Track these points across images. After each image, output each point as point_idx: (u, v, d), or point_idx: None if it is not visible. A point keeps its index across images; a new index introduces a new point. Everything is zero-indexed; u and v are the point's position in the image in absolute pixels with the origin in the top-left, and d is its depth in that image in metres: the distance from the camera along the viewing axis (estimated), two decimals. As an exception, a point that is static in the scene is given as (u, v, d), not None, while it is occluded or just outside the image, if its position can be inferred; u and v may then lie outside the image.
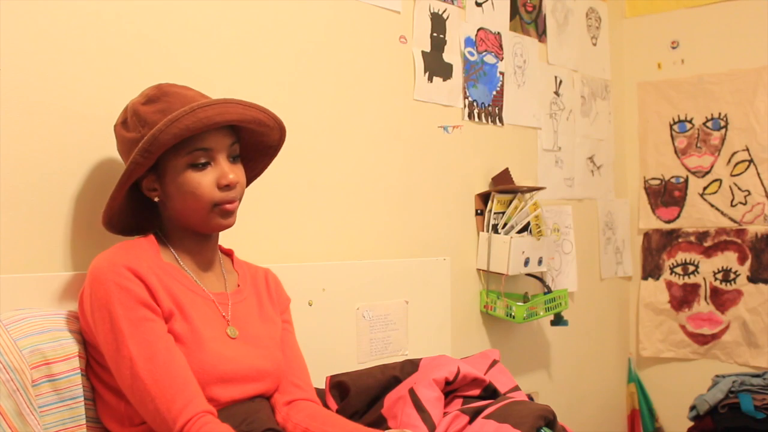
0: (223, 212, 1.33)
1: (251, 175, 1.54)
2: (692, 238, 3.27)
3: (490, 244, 2.46)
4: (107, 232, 1.46)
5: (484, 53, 2.52)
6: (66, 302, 1.39)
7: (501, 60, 2.60)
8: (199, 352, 1.27)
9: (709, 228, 3.23)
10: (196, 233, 1.38)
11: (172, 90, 1.34)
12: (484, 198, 2.52)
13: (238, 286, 1.46)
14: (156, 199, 1.36)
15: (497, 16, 2.60)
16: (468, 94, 2.46)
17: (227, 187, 1.32)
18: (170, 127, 1.25)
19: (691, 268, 3.27)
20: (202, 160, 1.31)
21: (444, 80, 2.35)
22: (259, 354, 1.37)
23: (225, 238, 1.47)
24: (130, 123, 1.33)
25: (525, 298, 2.57)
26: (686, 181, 3.28)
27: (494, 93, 2.58)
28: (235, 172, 1.34)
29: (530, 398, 1.74)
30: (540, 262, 2.54)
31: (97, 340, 1.26)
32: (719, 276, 3.19)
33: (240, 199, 1.37)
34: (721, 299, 3.19)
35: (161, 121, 1.27)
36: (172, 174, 1.32)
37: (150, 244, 1.36)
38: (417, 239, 2.28)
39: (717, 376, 2.79)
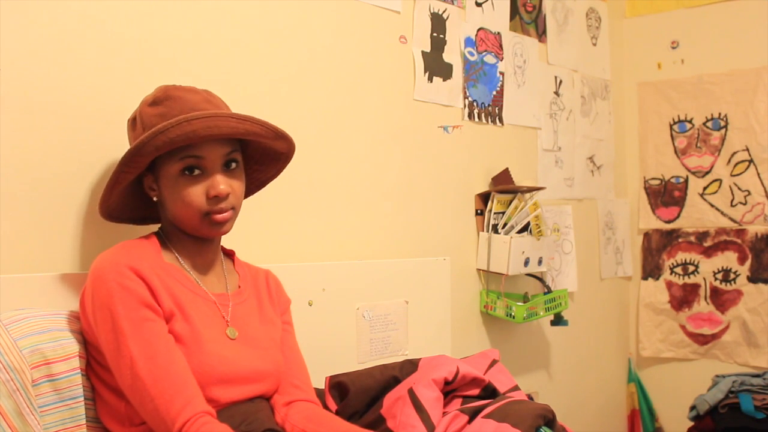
0: (212, 222, 1.32)
1: (264, 178, 1.54)
2: (692, 238, 3.27)
3: (490, 244, 2.46)
4: (107, 233, 1.47)
5: (484, 53, 2.53)
6: (66, 302, 1.39)
7: (501, 60, 2.61)
8: (199, 352, 1.27)
9: (709, 228, 3.23)
10: (193, 235, 1.38)
11: (176, 94, 1.33)
12: (484, 198, 2.52)
13: (239, 287, 1.46)
14: (155, 199, 1.37)
15: (497, 16, 2.60)
16: (468, 94, 2.46)
17: (216, 198, 1.31)
18: (154, 139, 1.25)
19: (691, 268, 3.27)
20: (195, 169, 1.30)
21: (444, 80, 2.36)
22: (259, 355, 1.38)
23: (225, 238, 1.47)
24: (137, 122, 1.34)
25: (525, 298, 2.57)
26: (686, 181, 3.28)
27: (494, 93, 2.58)
28: (227, 183, 1.32)
29: (530, 398, 1.74)
30: (540, 262, 2.54)
31: (98, 339, 1.26)
32: (719, 276, 3.19)
33: (236, 209, 1.36)
34: (721, 299, 3.19)
35: (157, 125, 1.27)
36: (166, 179, 1.32)
37: (151, 244, 1.36)
38: (417, 239, 2.28)
39: (717, 376, 2.79)
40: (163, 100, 1.33)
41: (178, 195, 1.30)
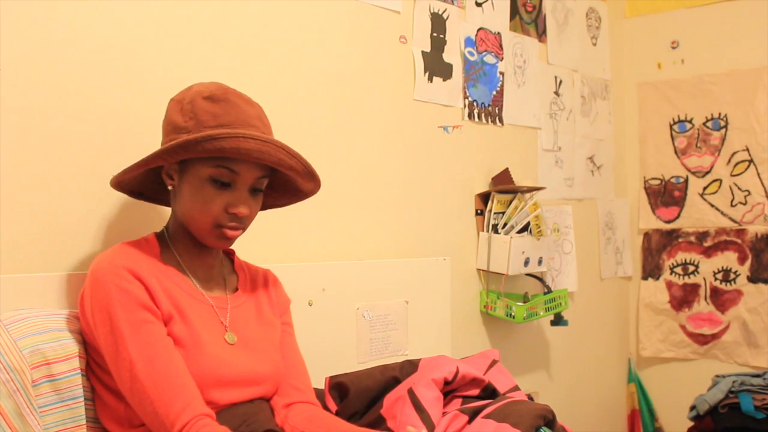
0: (222, 236, 1.33)
1: (272, 204, 1.53)
2: (692, 238, 3.27)
3: (490, 244, 2.46)
4: (107, 232, 1.47)
5: (484, 53, 2.53)
6: (66, 302, 1.39)
7: (501, 60, 2.60)
8: (198, 355, 1.27)
9: (709, 228, 3.23)
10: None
11: (235, 100, 1.33)
12: (484, 198, 2.52)
13: (237, 289, 1.45)
14: (170, 188, 1.36)
15: (497, 16, 2.60)
16: (468, 94, 2.46)
17: (235, 216, 1.32)
18: (206, 143, 1.24)
19: (691, 268, 3.27)
20: (225, 180, 1.30)
21: (444, 80, 2.35)
22: (258, 358, 1.37)
23: (225, 239, 1.47)
24: (185, 108, 1.32)
25: (525, 298, 2.57)
26: (686, 181, 3.28)
27: (494, 93, 2.58)
28: (249, 206, 1.33)
29: (530, 398, 1.74)
30: (540, 262, 2.54)
31: (97, 341, 1.26)
32: (719, 276, 3.19)
33: (246, 228, 1.37)
34: (721, 299, 3.19)
35: (209, 122, 1.27)
36: (193, 177, 1.31)
37: (150, 245, 1.36)
38: (417, 239, 2.28)
39: (717, 376, 2.79)
40: (220, 99, 1.31)
41: (200, 197, 1.30)
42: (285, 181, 1.46)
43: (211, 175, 1.30)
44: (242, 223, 1.34)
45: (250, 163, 1.31)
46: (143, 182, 1.41)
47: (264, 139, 1.29)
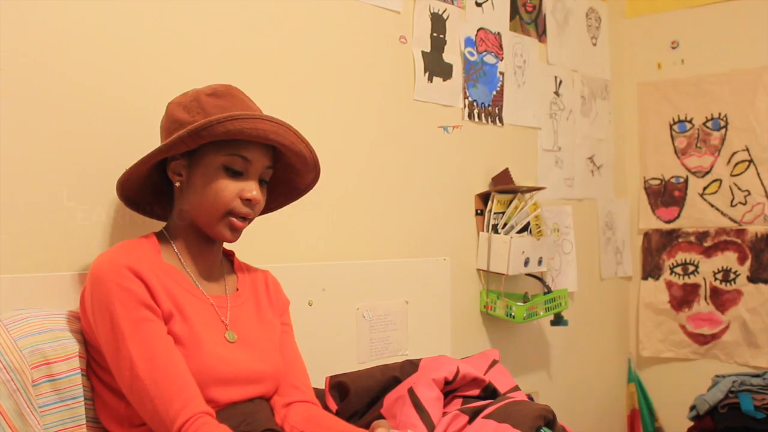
0: (231, 225, 1.35)
1: (267, 208, 1.54)
2: (692, 238, 3.27)
3: (490, 244, 2.46)
4: (107, 233, 1.47)
5: (484, 53, 2.53)
6: (66, 302, 1.39)
7: (501, 60, 2.60)
8: (199, 353, 1.27)
9: (709, 228, 3.23)
10: (201, 234, 1.38)
11: (239, 95, 1.38)
12: (484, 198, 2.52)
13: (237, 289, 1.46)
14: (177, 184, 1.37)
15: (497, 16, 2.60)
16: (468, 94, 2.46)
17: (248, 201, 1.34)
18: (227, 123, 1.27)
19: (691, 268, 3.27)
20: (237, 168, 1.33)
21: (444, 80, 2.35)
22: (258, 356, 1.38)
23: (225, 238, 1.47)
24: (189, 105, 1.35)
25: (525, 298, 2.57)
26: (686, 181, 3.28)
27: (494, 93, 2.58)
28: (259, 193, 1.36)
29: (530, 398, 1.75)
30: (540, 262, 2.54)
31: (98, 339, 1.26)
32: (719, 276, 3.19)
33: (251, 220, 1.39)
34: (721, 299, 3.19)
35: (218, 114, 1.29)
36: (205, 168, 1.33)
37: (150, 244, 1.36)
38: (417, 239, 2.28)
39: (717, 376, 2.79)
40: (225, 95, 1.36)
41: (212, 185, 1.32)
42: (282, 179, 1.47)
43: (224, 164, 1.32)
44: (253, 211, 1.36)
45: (260, 151, 1.34)
46: (144, 188, 1.42)
47: (278, 121, 1.33)
